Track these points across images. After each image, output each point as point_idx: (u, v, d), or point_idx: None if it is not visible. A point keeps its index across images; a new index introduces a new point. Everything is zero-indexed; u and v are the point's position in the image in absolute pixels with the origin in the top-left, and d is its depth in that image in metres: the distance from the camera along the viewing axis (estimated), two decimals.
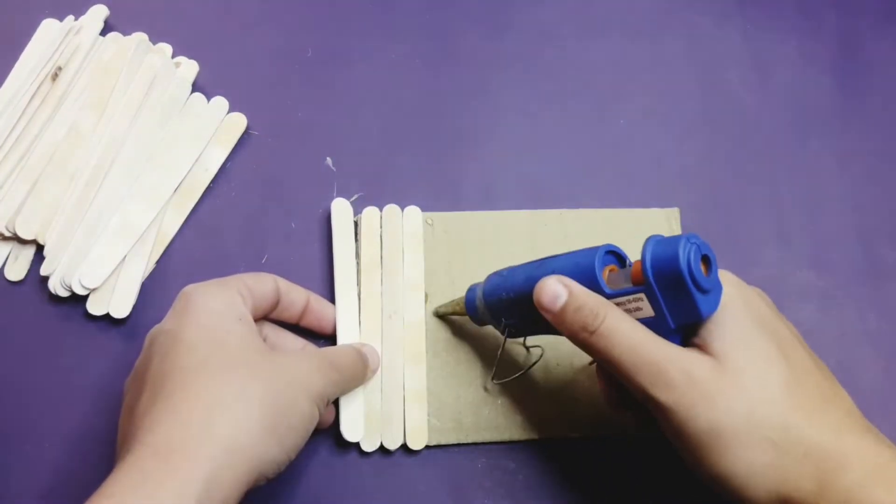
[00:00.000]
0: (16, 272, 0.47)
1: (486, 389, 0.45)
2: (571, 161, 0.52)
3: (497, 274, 0.42)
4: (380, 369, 0.45)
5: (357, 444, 0.44)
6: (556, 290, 0.36)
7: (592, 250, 0.36)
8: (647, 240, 0.34)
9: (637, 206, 0.50)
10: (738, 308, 0.35)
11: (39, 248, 0.47)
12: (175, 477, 0.31)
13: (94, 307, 0.46)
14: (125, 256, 0.46)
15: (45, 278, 0.46)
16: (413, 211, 0.48)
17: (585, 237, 0.49)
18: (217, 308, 0.37)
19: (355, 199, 0.49)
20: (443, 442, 0.44)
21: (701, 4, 0.57)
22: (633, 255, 0.48)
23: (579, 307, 0.35)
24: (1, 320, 0.47)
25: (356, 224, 0.49)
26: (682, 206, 0.50)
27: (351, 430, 0.43)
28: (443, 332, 0.46)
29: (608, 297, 0.35)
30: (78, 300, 0.46)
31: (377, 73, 0.54)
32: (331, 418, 0.43)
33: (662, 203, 0.51)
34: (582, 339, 0.35)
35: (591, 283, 0.36)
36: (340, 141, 0.51)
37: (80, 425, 0.45)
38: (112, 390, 0.45)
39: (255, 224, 0.49)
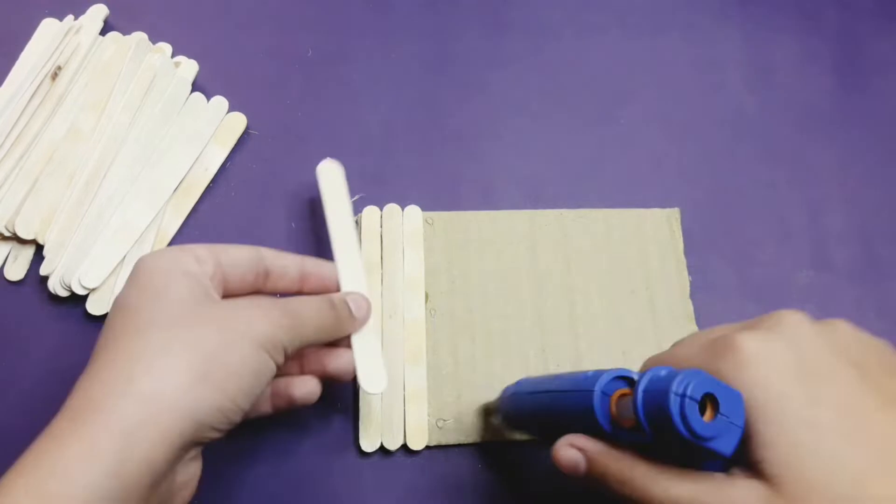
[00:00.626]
0: (15, 272, 0.47)
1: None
2: (571, 160, 0.52)
3: (517, 384, 0.40)
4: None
5: (357, 444, 0.44)
6: (573, 459, 0.33)
7: (590, 391, 0.32)
8: (637, 382, 0.30)
9: (637, 205, 0.50)
10: (771, 400, 0.28)
11: (39, 248, 0.47)
12: (85, 435, 0.29)
13: (94, 307, 0.46)
14: (125, 256, 0.46)
15: (45, 278, 0.46)
16: (413, 210, 0.48)
17: (586, 237, 0.49)
18: (161, 266, 0.35)
19: (356, 200, 0.49)
20: (443, 442, 0.44)
21: (701, 4, 0.57)
22: (635, 256, 0.49)
23: (603, 473, 0.32)
24: (0, 320, 0.47)
25: (356, 223, 0.49)
26: (682, 206, 0.51)
27: (370, 381, 0.40)
28: (443, 332, 0.46)
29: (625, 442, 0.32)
30: (78, 300, 0.46)
31: (377, 72, 0.54)
32: (315, 394, 0.40)
33: (662, 203, 0.51)
34: (609, 493, 0.32)
35: (598, 429, 0.32)
36: (340, 141, 0.51)
37: None
38: None
39: (255, 224, 0.49)
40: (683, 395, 0.27)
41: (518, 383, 0.40)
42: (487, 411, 0.45)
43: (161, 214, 0.48)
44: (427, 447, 0.44)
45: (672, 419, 0.27)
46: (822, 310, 0.49)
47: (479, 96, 0.53)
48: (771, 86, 0.55)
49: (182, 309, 0.34)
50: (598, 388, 0.32)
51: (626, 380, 0.32)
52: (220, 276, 0.37)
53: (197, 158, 0.50)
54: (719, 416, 0.27)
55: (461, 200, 0.50)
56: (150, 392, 0.31)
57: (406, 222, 0.48)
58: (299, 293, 0.41)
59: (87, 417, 0.30)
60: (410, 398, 0.44)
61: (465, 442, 0.44)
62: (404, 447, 0.44)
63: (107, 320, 0.35)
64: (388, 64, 0.54)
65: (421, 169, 0.51)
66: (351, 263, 0.42)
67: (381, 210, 0.48)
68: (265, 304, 0.36)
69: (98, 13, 0.52)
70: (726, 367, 0.29)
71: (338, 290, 0.42)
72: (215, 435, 0.33)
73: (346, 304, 0.40)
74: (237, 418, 0.34)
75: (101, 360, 0.33)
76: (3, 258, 0.48)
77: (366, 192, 0.50)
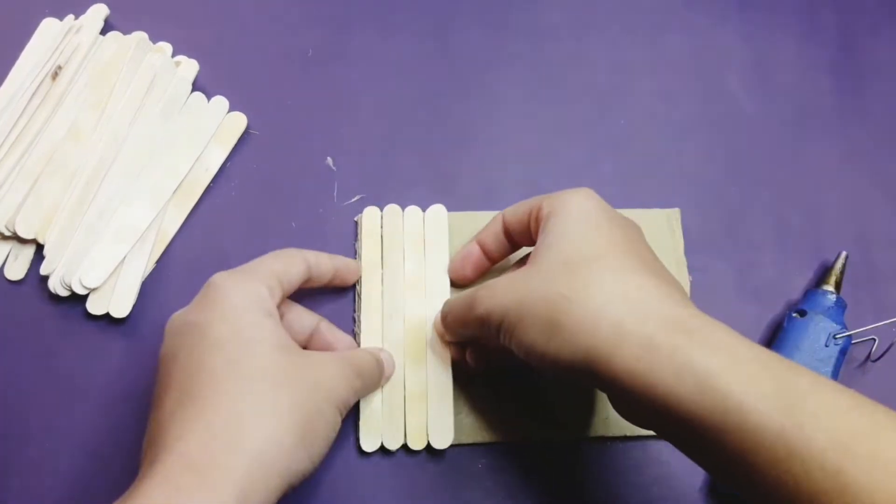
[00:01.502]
0: (15, 271, 0.47)
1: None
2: (572, 161, 0.52)
3: None
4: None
5: (358, 444, 0.44)
6: (436, 316, 0.44)
7: None
8: None
9: (637, 206, 0.50)
10: (556, 218, 0.38)
11: (39, 248, 0.47)
12: (209, 492, 0.30)
13: (94, 307, 0.46)
14: (125, 256, 0.46)
15: (45, 277, 0.46)
16: (413, 210, 0.49)
17: None
18: (244, 303, 0.36)
19: (356, 200, 0.49)
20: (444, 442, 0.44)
21: (701, 4, 0.57)
22: None
23: (442, 311, 0.43)
24: (0, 320, 0.47)
25: (356, 224, 0.49)
26: (681, 206, 0.50)
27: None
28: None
29: None
30: (78, 300, 0.46)
31: (378, 72, 0.54)
32: None
33: (662, 203, 0.51)
34: (451, 330, 0.43)
35: None
36: (341, 140, 0.51)
37: (80, 425, 0.44)
38: (112, 390, 0.45)
39: (255, 223, 0.49)
40: None
41: None
42: None
43: (162, 214, 0.48)
44: (427, 447, 0.44)
45: None
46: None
47: (479, 96, 0.53)
48: (770, 86, 0.55)
49: (277, 361, 0.35)
50: None
51: None
52: (281, 299, 0.40)
53: (198, 158, 0.50)
54: None
55: (461, 200, 0.50)
56: (261, 453, 0.32)
57: (407, 222, 0.48)
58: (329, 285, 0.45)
59: (209, 474, 0.31)
60: (411, 398, 0.44)
61: (466, 442, 0.44)
62: (405, 447, 0.44)
63: (183, 338, 0.36)
64: (388, 64, 0.54)
65: (421, 168, 0.51)
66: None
67: (382, 210, 0.48)
68: (339, 363, 0.38)
69: (98, 13, 0.52)
70: (547, 199, 0.39)
71: (355, 282, 0.47)
72: (289, 493, 0.34)
73: (382, 362, 0.43)
74: (310, 476, 0.35)
75: (203, 401, 0.33)
76: (4, 258, 0.48)
77: (366, 192, 0.50)
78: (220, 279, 0.37)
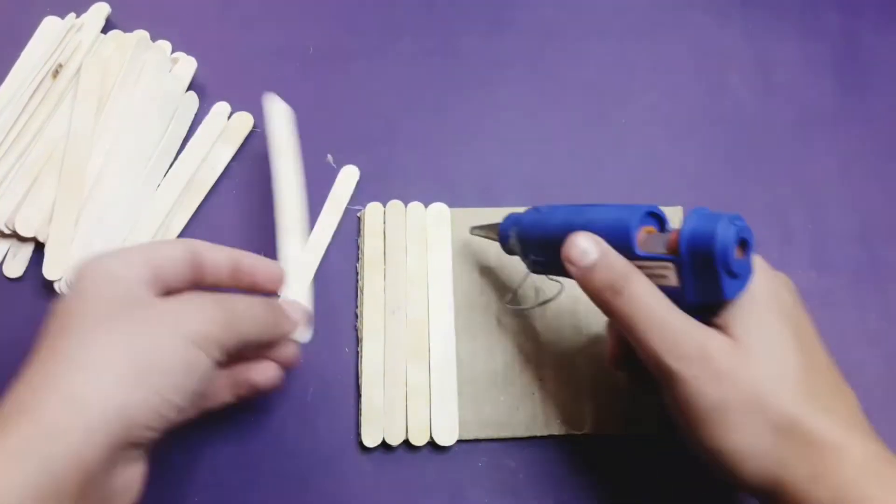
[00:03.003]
0: (14, 269, 0.47)
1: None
2: (572, 160, 0.52)
3: (536, 210, 0.41)
4: (383, 365, 0.45)
5: (359, 439, 0.44)
6: (585, 247, 0.36)
7: (633, 209, 0.36)
8: (691, 212, 0.34)
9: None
10: (762, 294, 0.35)
11: (38, 246, 0.47)
12: (12, 436, 0.29)
13: None
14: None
15: (44, 275, 0.46)
16: (416, 206, 0.49)
17: None
18: (90, 272, 0.35)
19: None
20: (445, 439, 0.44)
21: (702, 4, 0.57)
22: None
23: (608, 266, 0.36)
24: (0, 318, 0.47)
25: (359, 220, 0.49)
26: (683, 205, 0.51)
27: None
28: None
29: (637, 257, 0.35)
30: None
31: (378, 70, 0.54)
32: (274, 378, 0.40)
33: (663, 202, 0.50)
34: (604, 299, 0.36)
35: (624, 241, 0.35)
36: (341, 138, 0.51)
37: None
38: None
39: (257, 221, 0.49)
40: (733, 225, 0.32)
41: (532, 209, 0.42)
42: (475, 232, 0.46)
43: (166, 213, 0.48)
44: (429, 444, 0.44)
45: (715, 238, 0.32)
46: (823, 310, 0.49)
47: (480, 95, 0.54)
48: (772, 86, 0.55)
49: (109, 310, 0.34)
50: (641, 210, 0.36)
51: (657, 219, 0.37)
52: (153, 276, 0.36)
53: (204, 158, 0.50)
54: (742, 260, 0.33)
55: (462, 198, 0.50)
56: (75, 392, 0.31)
57: (410, 219, 0.48)
58: (234, 288, 0.40)
59: (14, 419, 0.30)
60: (412, 394, 0.44)
61: (467, 438, 0.44)
62: (406, 442, 0.44)
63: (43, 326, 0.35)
64: (389, 62, 0.54)
65: (422, 166, 0.51)
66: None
67: (385, 206, 0.49)
68: (199, 300, 0.36)
69: (100, 11, 0.52)
70: None
71: (276, 288, 0.41)
72: (150, 434, 0.33)
73: (279, 305, 0.40)
74: (173, 415, 0.33)
75: (31, 364, 0.33)
76: (3, 255, 0.48)
77: (368, 190, 0.50)
78: (84, 261, 0.36)
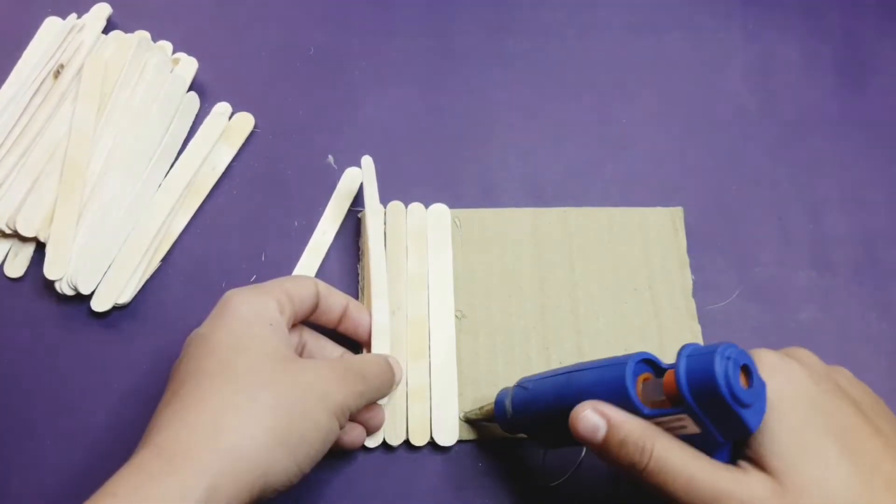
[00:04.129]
0: (15, 269, 0.47)
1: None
2: (573, 159, 0.52)
3: (522, 388, 0.39)
4: None
5: None
6: (594, 423, 0.33)
7: (621, 364, 0.33)
8: (679, 353, 0.31)
9: (638, 204, 0.50)
10: (785, 405, 0.31)
11: (39, 246, 0.47)
12: (177, 480, 0.30)
13: (98, 304, 0.45)
14: (128, 255, 0.46)
15: (45, 275, 0.46)
16: (417, 207, 0.49)
17: (589, 235, 0.49)
18: (249, 313, 0.37)
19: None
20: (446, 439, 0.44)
21: (703, 4, 0.57)
22: (638, 254, 0.49)
23: (622, 440, 0.32)
24: (0, 317, 0.47)
25: (360, 220, 0.49)
26: (683, 205, 0.51)
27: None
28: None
29: (647, 417, 0.32)
30: (79, 297, 0.46)
31: (379, 70, 0.54)
32: (360, 440, 0.42)
33: (664, 202, 0.51)
34: (633, 476, 0.33)
35: (626, 403, 0.33)
36: (342, 138, 0.51)
37: (80, 422, 0.44)
38: (113, 387, 0.45)
39: (257, 222, 0.49)
40: (728, 359, 0.30)
41: (521, 380, 0.40)
42: (470, 418, 0.44)
43: (167, 213, 0.48)
44: (429, 443, 0.44)
45: (716, 381, 0.29)
46: (823, 310, 0.49)
47: (481, 95, 0.54)
48: (773, 85, 0.55)
49: (267, 364, 0.35)
50: (630, 364, 0.33)
51: (648, 363, 0.34)
52: (292, 315, 0.39)
53: (205, 158, 0.50)
54: (752, 387, 0.30)
55: (463, 198, 0.50)
56: (235, 448, 0.32)
57: (410, 219, 0.48)
58: (333, 330, 0.44)
59: (179, 462, 0.31)
60: (413, 395, 0.44)
61: (468, 439, 0.44)
62: (406, 443, 0.44)
63: (189, 348, 0.36)
64: (389, 62, 0.54)
65: (423, 167, 0.51)
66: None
67: (385, 207, 0.49)
68: (338, 366, 0.38)
69: (101, 12, 0.52)
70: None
71: (368, 337, 0.44)
72: (272, 496, 0.34)
73: (394, 365, 0.42)
74: (297, 481, 0.35)
75: (188, 399, 0.34)
76: (4, 255, 0.48)
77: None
78: (232, 294, 0.38)
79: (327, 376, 0.36)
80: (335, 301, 0.42)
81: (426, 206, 0.49)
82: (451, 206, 0.49)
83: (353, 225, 0.49)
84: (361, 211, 0.49)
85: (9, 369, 0.45)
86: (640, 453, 0.32)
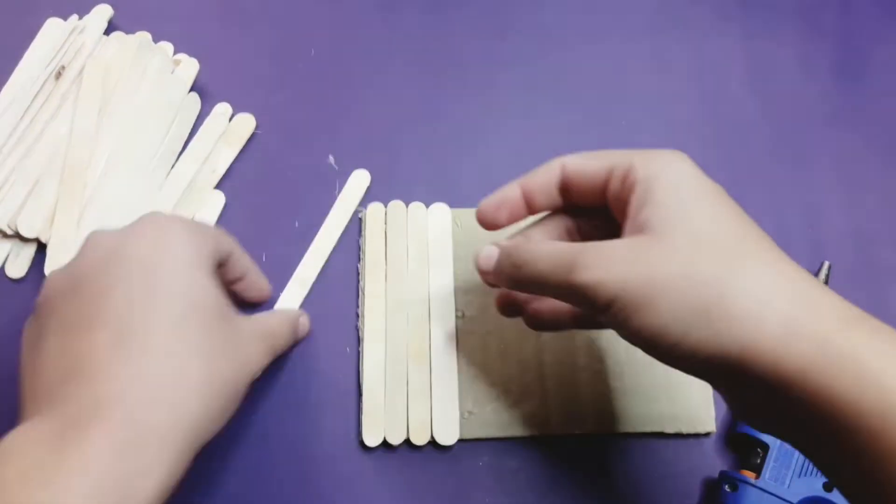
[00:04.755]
0: (17, 270, 0.47)
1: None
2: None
3: None
4: (384, 365, 0.45)
5: (360, 438, 0.44)
6: (487, 253, 0.38)
7: None
8: None
9: None
10: (666, 182, 0.34)
11: (41, 246, 0.47)
12: (150, 451, 0.30)
13: None
14: None
15: (46, 276, 0.46)
16: (417, 207, 0.49)
17: None
18: (194, 252, 0.35)
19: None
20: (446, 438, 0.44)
21: (701, 6, 0.57)
22: None
23: (508, 253, 0.36)
24: (1, 317, 0.47)
25: (360, 220, 0.49)
26: None
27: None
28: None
29: None
30: None
31: (379, 70, 0.54)
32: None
33: None
34: (516, 281, 0.36)
35: None
36: (343, 138, 0.52)
37: None
38: None
39: (257, 222, 0.49)
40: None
41: None
42: None
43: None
44: (430, 442, 0.44)
45: None
46: None
47: (481, 96, 0.54)
48: (771, 86, 0.55)
49: (214, 331, 0.34)
50: None
51: None
52: (215, 263, 0.37)
53: (205, 159, 0.50)
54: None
55: (463, 199, 0.50)
56: (166, 396, 0.31)
57: (411, 219, 0.48)
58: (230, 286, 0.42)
59: (149, 439, 0.30)
60: (414, 394, 0.44)
61: (468, 438, 0.44)
62: (407, 442, 0.44)
63: (124, 271, 0.32)
64: (390, 64, 0.54)
65: (424, 167, 0.51)
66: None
67: (386, 207, 0.49)
68: (264, 339, 0.38)
69: (102, 13, 0.52)
70: (640, 158, 0.36)
71: (261, 303, 0.45)
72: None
73: (299, 325, 0.44)
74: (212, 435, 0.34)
75: (141, 356, 0.31)
76: (5, 256, 0.48)
77: (369, 190, 0.50)
78: (160, 217, 0.35)
79: (256, 350, 0.37)
80: (242, 264, 0.41)
81: (426, 206, 0.49)
82: (451, 206, 0.49)
83: (353, 225, 0.49)
84: (362, 211, 0.49)
85: (9, 370, 0.45)
86: (518, 252, 0.35)
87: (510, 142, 0.52)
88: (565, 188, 0.39)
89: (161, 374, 0.31)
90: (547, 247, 0.34)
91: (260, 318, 0.40)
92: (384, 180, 0.50)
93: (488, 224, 0.40)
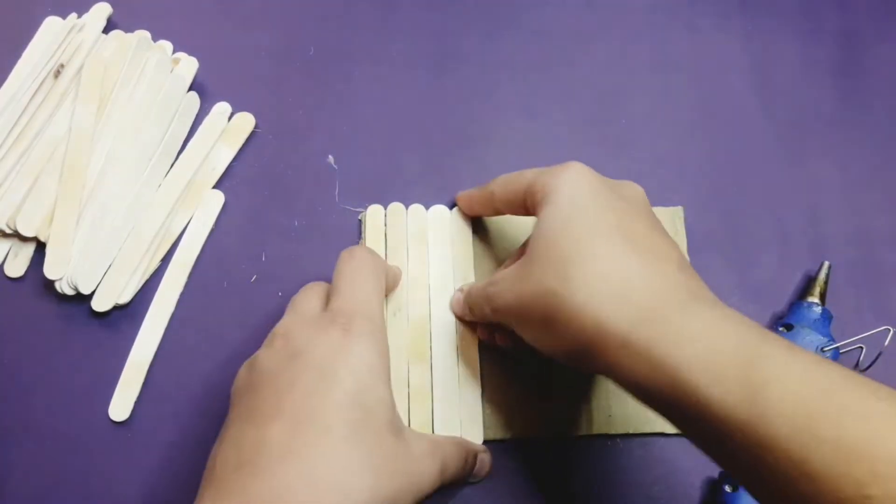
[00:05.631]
0: (15, 269, 0.47)
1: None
2: (573, 160, 0.52)
3: None
4: None
5: None
6: (456, 298, 0.46)
7: None
8: None
9: None
10: (548, 206, 0.37)
11: (40, 245, 0.47)
12: None
13: (99, 304, 0.45)
14: (128, 255, 0.46)
15: (45, 275, 0.46)
16: (417, 208, 0.49)
17: None
18: (374, 359, 0.34)
19: (357, 209, 0.50)
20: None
21: (702, 5, 0.57)
22: None
23: (469, 295, 0.43)
24: (0, 317, 0.47)
25: (360, 222, 0.49)
26: (683, 205, 0.51)
27: None
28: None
29: None
30: (79, 297, 0.46)
31: (379, 71, 0.54)
32: None
33: (664, 201, 0.51)
34: (474, 318, 0.43)
35: None
36: (342, 139, 0.52)
37: (80, 422, 0.44)
38: (113, 387, 0.45)
39: (257, 222, 0.49)
40: None
41: None
42: None
43: (167, 214, 0.48)
44: None
45: None
46: None
47: (480, 96, 0.54)
48: (772, 86, 0.55)
49: (386, 444, 0.33)
50: None
51: None
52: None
53: (205, 158, 0.50)
54: None
55: None
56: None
57: (410, 221, 0.48)
58: None
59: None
60: (414, 396, 0.44)
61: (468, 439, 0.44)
62: None
63: (309, 373, 0.33)
64: (390, 63, 0.54)
65: (422, 167, 0.51)
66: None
67: (385, 208, 0.49)
68: (435, 460, 0.36)
69: (101, 11, 0.52)
70: (541, 179, 0.39)
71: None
72: None
73: (478, 463, 0.42)
74: None
75: (312, 450, 0.31)
76: (4, 255, 0.48)
77: (369, 191, 0.50)
78: (352, 322, 0.35)
79: (427, 468, 0.35)
80: (388, 280, 0.43)
81: (426, 207, 0.49)
82: (451, 208, 0.49)
83: (353, 226, 0.49)
84: (362, 212, 0.49)
85: (9, 369, 0.46)
86: (486, 299, 0.40)
87: (510, 142, 0.52)
88: (498, 209, 0.45)
89: (328, 476, 0.30)
90: (479, 284, 0.42)
91: (434, 437, 0.39)
92: (384, 181, 0.50)
93: (464, 211, 0.48)
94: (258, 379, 0.34)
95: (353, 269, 0.39)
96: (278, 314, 0.39)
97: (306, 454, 0.30)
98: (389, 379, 0.35)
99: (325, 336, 0.34)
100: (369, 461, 0.31)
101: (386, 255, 0.47)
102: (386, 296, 0.44)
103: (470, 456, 0.41)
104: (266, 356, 0.35)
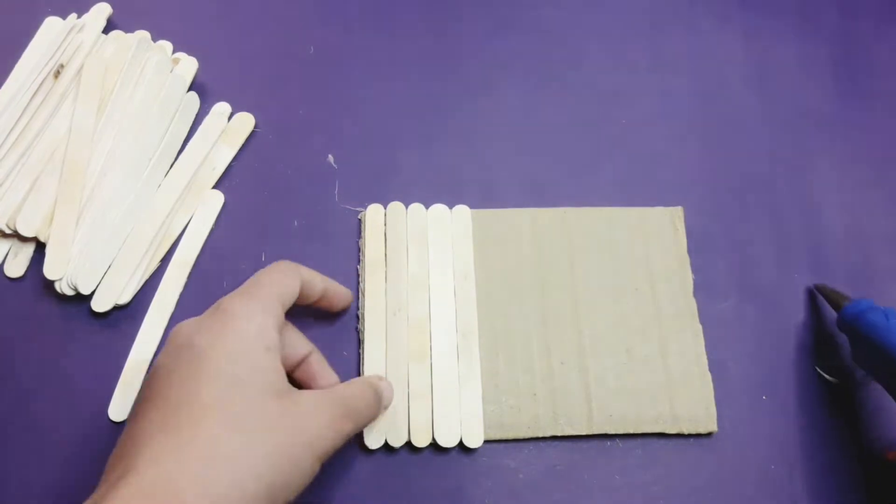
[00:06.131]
0: (15, 269, 0.47)
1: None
2: (573, 159, 0.52)
3: (885, 315, 0.42)
4: (384, 366, 0.45)
5: (361, 441, 0.44)
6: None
7: None
8: None
9: (638, 204, 0.50)
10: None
11: (39, 246, 0.47)
12: None
13: (98, 304, 0.45)
14: (128, 255, 0.46)
15: (45, 275, 0.46)
16: (442, 209, 0.49)
17: (589, 235, 0.49)
18: (249, 336, 0.36)
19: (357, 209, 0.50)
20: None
21: (702, 5, 0.57)
22: (639, 254, 0.49)
23: None
24: (0, 317, 0.47)
25: (360, 221, 0.49)
26: (683, 205, 0.51)
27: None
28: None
29: None
30: (79, 297, 0.46)
31: (379, 70, 0.54)
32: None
33: (664, 201, 0.51)
34: None
35: None
36: (342, 138, 0.51)
37: (81, 422, 0.44)
38: (113, 387, 0.45)
39: (257, 221, 0.49)
40: None
41: (881, 310, 0.42)
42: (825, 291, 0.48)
43: (167, 214, 0.48)
44: (431, 444, 0.44)
45: None
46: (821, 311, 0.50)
47: (481, 95, 0.54)
48: (771, 87, 0.55)
49: (265, 403, 0.34)
50: None
51: None
52: (283, 323, 0.39)
53: (205, 158, 0.50)
54: None
55: (463, 198, 0.50)
56: (225, 498, 0.31)
57: (410, 220, 0.48)
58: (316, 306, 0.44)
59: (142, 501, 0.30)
60: (414, 396, 0.44)
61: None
62: (408, 444, 0.44)
63: (184, 360, 0.35)
64: (390, 62, 0.54)
65: (423, 167, 0.51)
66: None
67: (385, 208, 0.49)
68: (331, 407, 0.37)
69: (101, 12, 0.52)
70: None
71: (344, 308, 0.46)
72: None
73: (381, 392, 0.42)
74: None
75: (182, 432, 0.32)
76: (4, 255, 0.48)
77: (369, 190, 0.50)
78: (230, 305, 0.36)
79: (322, 421, 0.36)
80: (315, 285, 0.42)
81: (426, 207, 0.49)
82: (450, 207, 0.49)
83: (352, 226, 0.49)
84: (362, 211, 0.49)
85: (9, 369, 0.45)
86: None
87: (510, 142, 0.52)
88: None
89: (196, 451, 0.32)
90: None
91: (333, 388, 0.40)
92: (384, 181, 0.50)
93: None
94: (151, 374, 0.36)
95: (256, 274, 0.40)
96: None
97: (173, 432, 0.32)
98: (276, 345, 0.36)
99: (206, 324, 0.36)
100: (240, 424, 0.33)
101: (386, 254, 0.47)
102: (310, 304, 0.43)
103: (376, 391, 0.42)
104: (162, 352, 0.37)
